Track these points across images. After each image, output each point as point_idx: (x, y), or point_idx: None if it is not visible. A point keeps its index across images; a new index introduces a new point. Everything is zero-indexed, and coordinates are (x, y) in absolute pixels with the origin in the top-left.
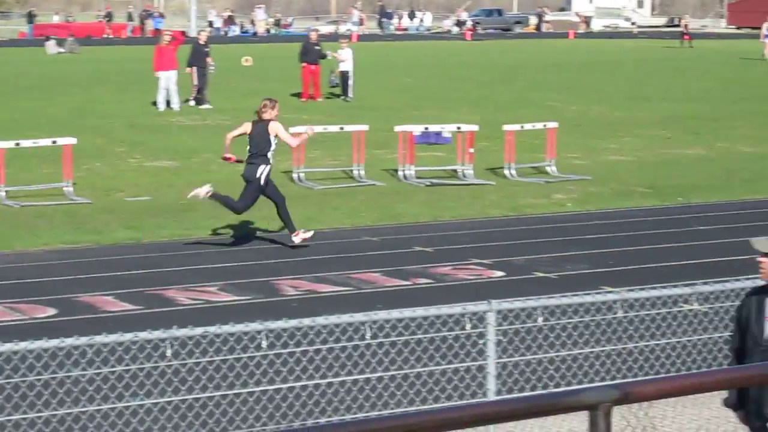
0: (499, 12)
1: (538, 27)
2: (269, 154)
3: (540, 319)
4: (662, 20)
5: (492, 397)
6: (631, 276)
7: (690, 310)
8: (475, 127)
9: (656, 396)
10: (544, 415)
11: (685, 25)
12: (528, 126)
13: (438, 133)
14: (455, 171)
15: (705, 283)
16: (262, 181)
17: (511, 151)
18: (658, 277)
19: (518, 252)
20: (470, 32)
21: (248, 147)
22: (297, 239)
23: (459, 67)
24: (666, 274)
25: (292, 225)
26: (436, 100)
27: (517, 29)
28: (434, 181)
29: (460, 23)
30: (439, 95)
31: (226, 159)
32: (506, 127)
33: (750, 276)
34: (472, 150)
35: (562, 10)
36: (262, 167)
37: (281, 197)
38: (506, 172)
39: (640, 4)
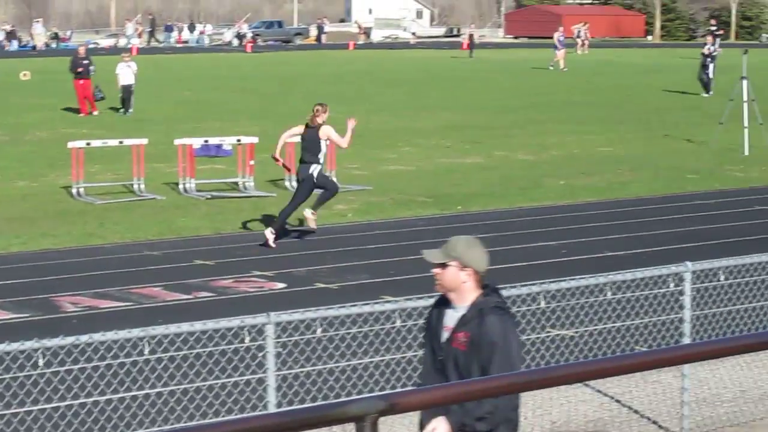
0: (280, 24)
1: (318, 38)
2: (320, 156)
3: (319, 331)
4: (441, 30)
5: (272, 409)
6: (411, 285)
7: None
8: (255, 140)
9: (422, 406)
10: (310, 428)
11: (470, 35)
12: None
13: (218, 146)
14: (236, 183)
15: None
16: (315, 179)
17: (292, 163)
18: None
19: (300, 263)
20: (251, 44)
21: (301, 149)
22: (309, 215)
23: (240, 79)
24: None
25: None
26: (216, 113)
27: (298, 41)
28: (215, 193)
29: (240, 35)
30: (219, 108)
31: (275, 159)
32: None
33: (528, 282)
34: (252, 162)
35: (342, 21)
36: (313, 166)
37: (335, 186)
38: (287, 184)
39: (419, 15)
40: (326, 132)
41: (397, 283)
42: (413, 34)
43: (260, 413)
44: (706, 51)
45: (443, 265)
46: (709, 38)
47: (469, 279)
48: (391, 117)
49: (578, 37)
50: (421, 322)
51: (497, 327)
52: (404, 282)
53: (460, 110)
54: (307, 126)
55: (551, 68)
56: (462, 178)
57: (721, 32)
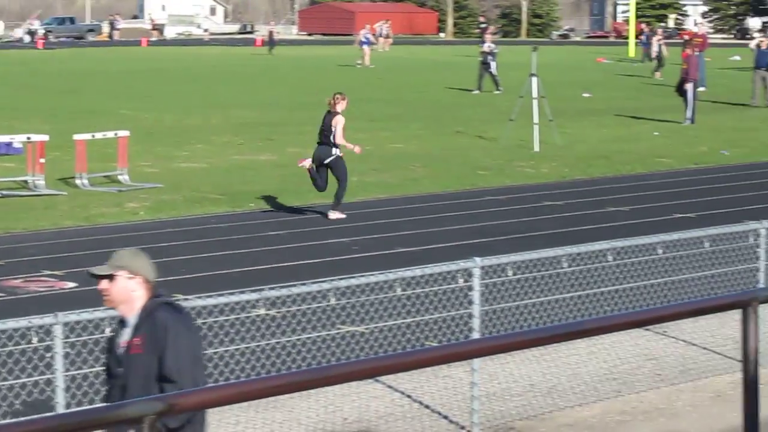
0: (72, 20)
1: (110, 35)
2: (333, 139)
3: (108, 330)
4: (235, 27)
5: (61, 411)
6: (203, 283)
7: (258, 315)
8: (45, 137)
9: (200, 406)
10: (90, 430)
11: (270, 32)
12: (99, 135)
13: (8, 144)
14: (26, 182)
15: (272, 288)
16: (337, 159)
17: (82, 161)
18: (229, 283)
19: (91, 262)
20: (42, 41)
21: (319, 132)
22: (333, 216)
23: (31, 76)
24: (238, 280)
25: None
26: (6, 111)
27: (90, 37)
28: (5, 192)
29: (31, 32)
30: (9, 105)
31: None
32: (77, 137)
33: (318, 279)
34: (42, 160)
35: (134, 17)
36: (334, 149)
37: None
38: (78, 181)
39: (213, 12)
40: (337, 120)
41: (188, 282)
42: (205, 30)
43: (41, 416)
44: (486, 48)
45: (111, 278)
46: (488, 36)
47: (139, 288)
48: (183, 114)
49: (380, 35)
50: (210, 320)
51: (168, 319)
52: (196, 280)
53: (254, 107)
54: (327, 112)
55: (359, 66)
56: (255, 175)
57: (487, 27)
